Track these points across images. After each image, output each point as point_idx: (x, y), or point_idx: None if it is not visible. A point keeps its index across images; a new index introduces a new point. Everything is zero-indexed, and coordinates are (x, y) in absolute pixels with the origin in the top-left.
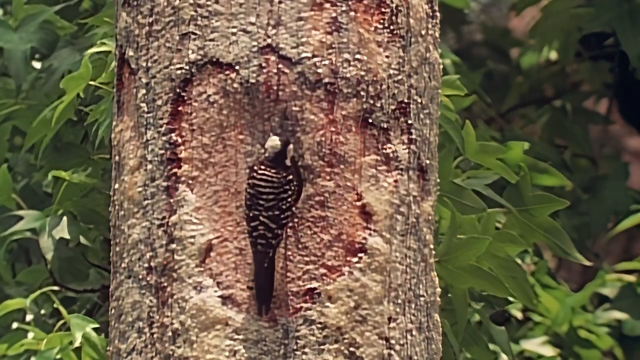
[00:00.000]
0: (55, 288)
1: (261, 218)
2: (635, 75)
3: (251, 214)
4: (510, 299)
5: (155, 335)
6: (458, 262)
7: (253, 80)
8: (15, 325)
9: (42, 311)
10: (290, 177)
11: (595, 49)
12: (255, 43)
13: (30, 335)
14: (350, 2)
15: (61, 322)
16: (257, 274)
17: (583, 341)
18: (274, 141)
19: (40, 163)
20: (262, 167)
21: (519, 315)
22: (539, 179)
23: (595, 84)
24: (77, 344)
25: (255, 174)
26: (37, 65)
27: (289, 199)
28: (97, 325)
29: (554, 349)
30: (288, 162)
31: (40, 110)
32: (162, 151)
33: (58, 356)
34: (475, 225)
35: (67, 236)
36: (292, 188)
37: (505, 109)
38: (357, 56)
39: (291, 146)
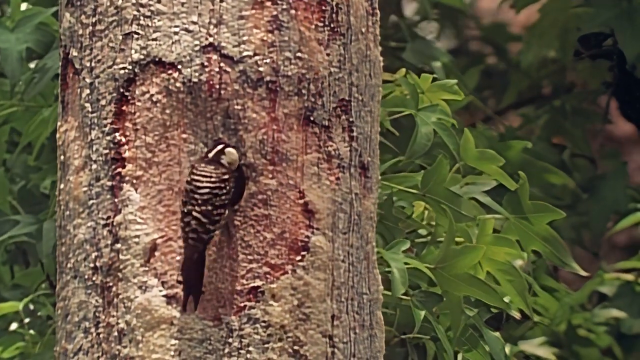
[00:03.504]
0: (49, 292)
1: (194, 213)
2: (635, 74)
3: (185, 210)
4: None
5: (101, 335)
6: (454, 270)
7: (195, 80)
8: (14, 325)
9: (39, 313)
10: (227, 176)
11: (594, 48)
12: (197, 42)
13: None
14: (290, 1)
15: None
16: (185, 267)
17: (582, 340)
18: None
19: (37, 164)
20: (203, 164)
21: (517, 314)
22: (541, 177)
23: (595, 83)
24: None
25: (195, 170)
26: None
27: (223, 197)
28: None
29: (552, 350)
30: (224, 161)
31: (38, 112)
32: (107, 151)
33: None
34: (470, 233)
35: None
36: (227, 187)
37: (503, 106)
38: (298, 54)
39: (229, 149)
